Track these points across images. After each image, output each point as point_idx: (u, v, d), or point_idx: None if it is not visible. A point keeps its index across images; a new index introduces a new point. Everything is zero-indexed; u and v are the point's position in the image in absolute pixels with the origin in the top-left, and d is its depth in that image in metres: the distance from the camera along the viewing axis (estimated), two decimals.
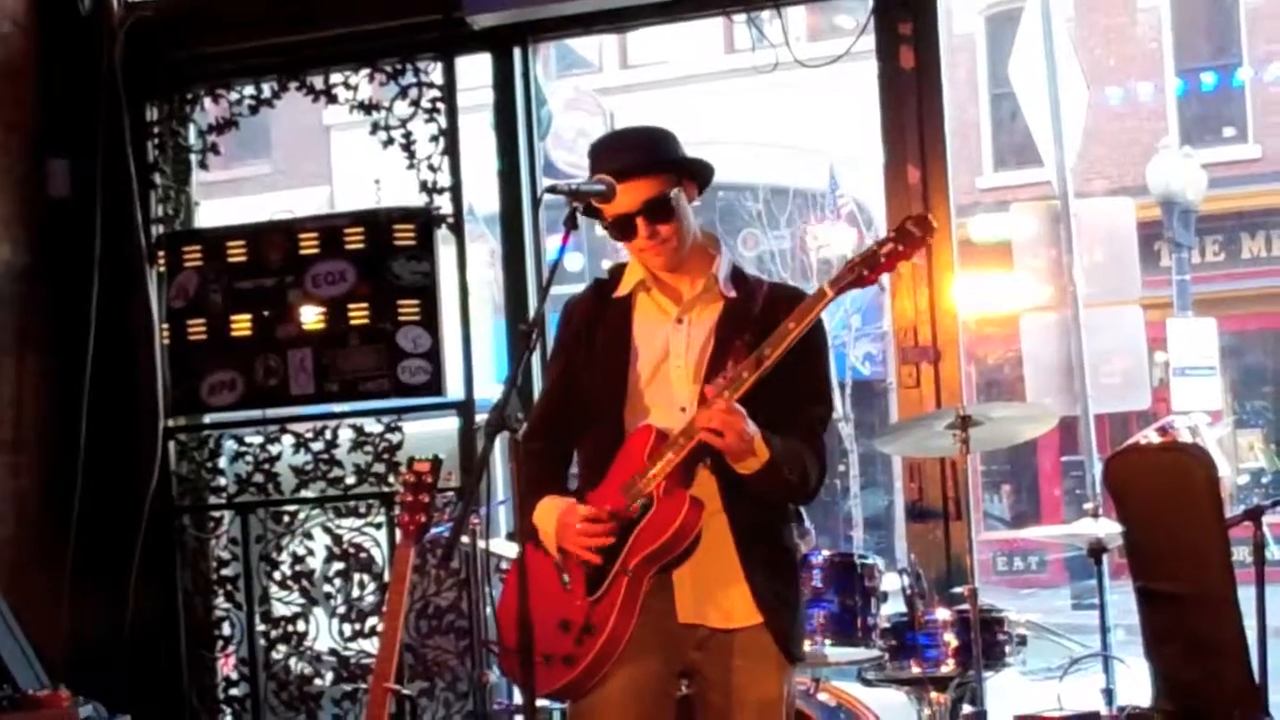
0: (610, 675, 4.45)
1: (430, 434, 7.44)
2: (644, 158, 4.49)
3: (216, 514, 7.70)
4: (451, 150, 7.37)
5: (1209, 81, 22.09)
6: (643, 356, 4.55)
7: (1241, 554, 5.71)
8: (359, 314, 7.32)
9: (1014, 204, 13.29)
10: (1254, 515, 5.87)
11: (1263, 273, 21.49)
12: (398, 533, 6.23)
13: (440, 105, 7.41)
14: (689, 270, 4.58)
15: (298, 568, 7.52)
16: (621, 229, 4.49)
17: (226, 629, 7.62)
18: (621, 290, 4.62)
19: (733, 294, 4.57)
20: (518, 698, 6.40)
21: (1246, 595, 5.61)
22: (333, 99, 7.65)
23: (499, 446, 4.35)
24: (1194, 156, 19.83)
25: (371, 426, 7.43)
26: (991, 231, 15.91)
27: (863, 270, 4.32)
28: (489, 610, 6.28)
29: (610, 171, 4.44)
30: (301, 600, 7.51)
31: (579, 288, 4.77)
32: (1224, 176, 20.32)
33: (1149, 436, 6.13)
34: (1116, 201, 13.46)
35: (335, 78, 7.61)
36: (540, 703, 4.50)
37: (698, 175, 4.60)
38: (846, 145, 18.83)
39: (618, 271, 4.69)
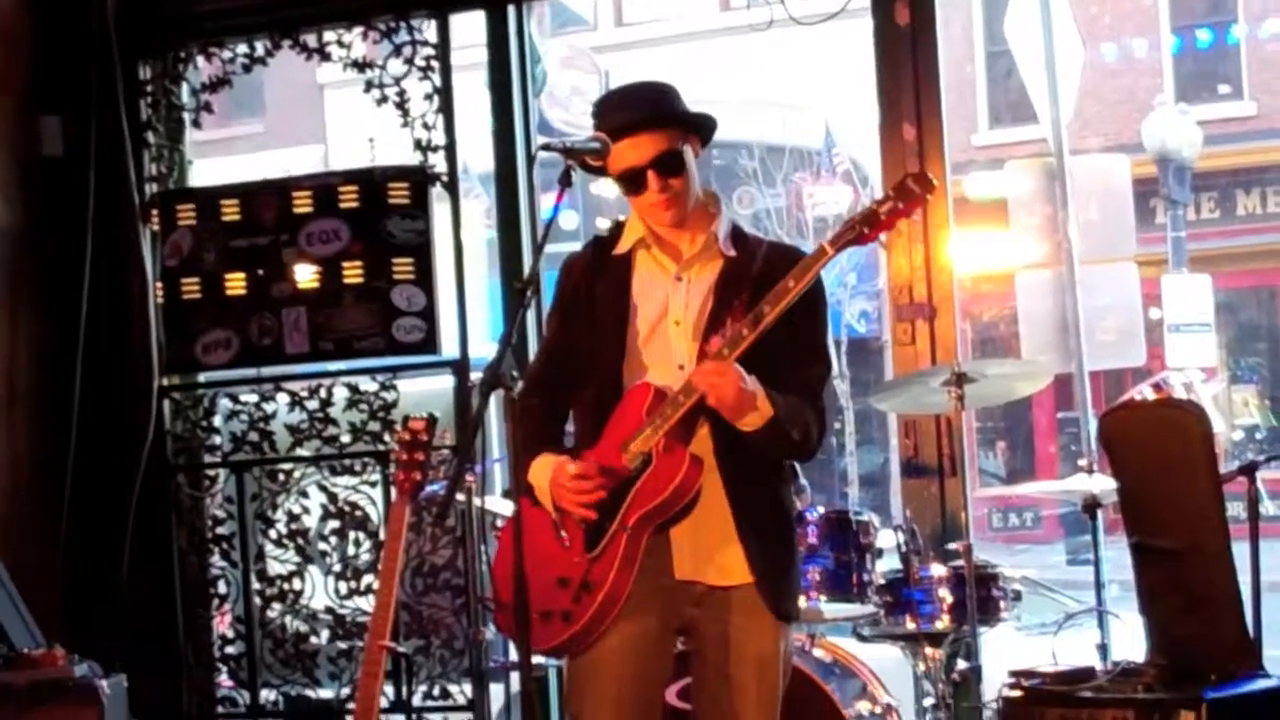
0: (608, 632, 4.46)
1: (425, 392, 7.45)
2: (655, 112, 4.50)
3: (211, 473, 7.70)
4: (446, 108, 7.35)
5: (1204, 39, 22.07)
6: (642, 314, 4.55)
7: (1236, 509, 5.72)
8: (353, 272, 7.31)
9: (1009, 161, 13.24)
10: (1248, 471, 5.89)
11: (1258, 229, 21.50)
12: (393, 491, 6.25)
13: (434, 63, 7.39)
14: (690, 228, 4.58)
15: (293, 526, 7.52)
16: (632, 183, 4.49)
17: (222, 587, 7.63)
18: (621, 248, 4.62)
19: (732, 253, 4.56)
20: (514, 654, 6.42)
21: (1241, 551, 5.62)
22: (326, 57, 7.63)
23: (494, 404, 4.36)
24: (1189, 113, 19.82)
25: (366, 385, 7.43)
26: (987, 189, 15.86)
27: (862, 228, 4.32)
28: (484, 567, 6.29)
29: (619, 126, 4.45)
30: (297, 558, 7.52)
31: (574, 245, 4.79)
32: (1219, 134, 20.32)
33: (1144, 393, 6.13)
34: (1112, 159, 13.42)
35: (329, 36, 7.58)
36: (536, 659, 4.51)
37: (702, 130, 4.60)
38: (842, 103, 18.79)
39: (617, 229, 4.69)
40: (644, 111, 4.49)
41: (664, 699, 4.64)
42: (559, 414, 4.69)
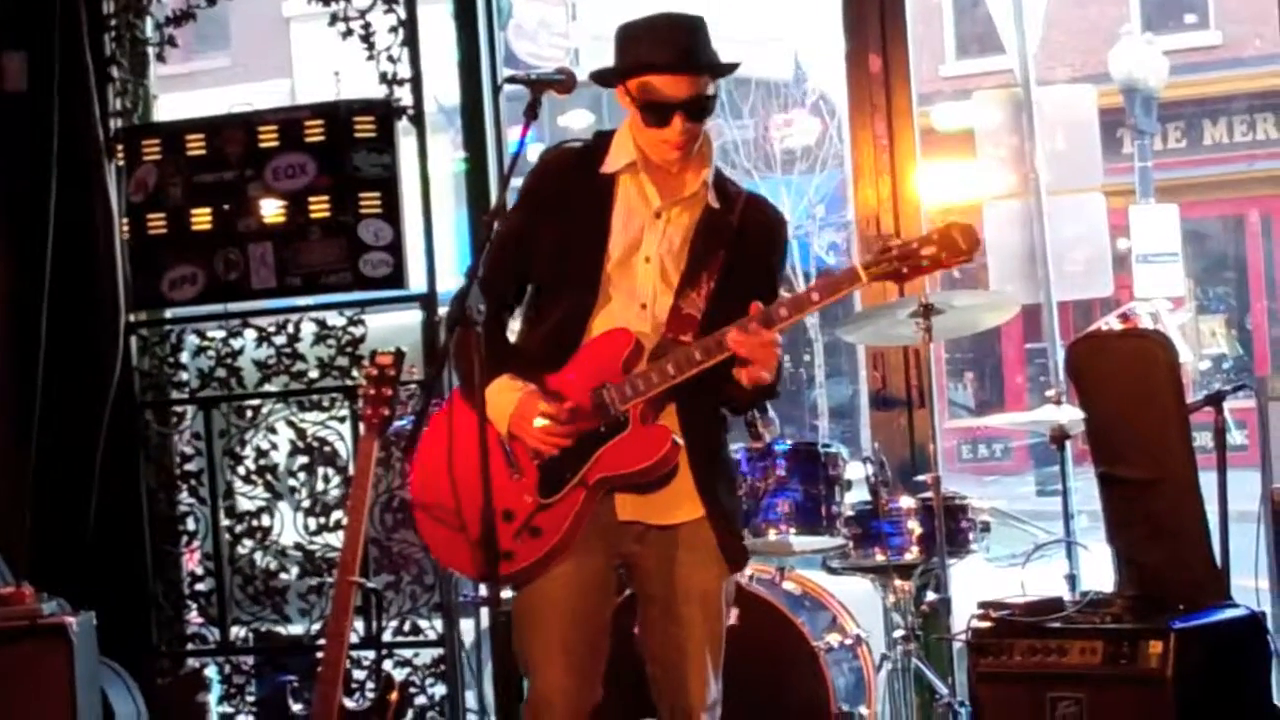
0: (549, 571, 4.46)
1: (393, 327, 7.42)
2: (696, 57, 4.42)
3: (179, 409, 7.67)
4: (411, 41, 7.30)
5: None
6: (616, 242, 4.51)
7: (1203, 439, 5.76)
8: (320, 207, 7.26)
9: (976, 92, 13.25)
10: (1215, 400, 5.92)
11: (1224, 159, 21.52)
12: (361, 426, 6.24)
13: None
14: (685, 164, 4.54)
15: (261, 462, 7.50)
16: (656, 116, 4.42)
17: (191, 524, 7.61)
18: (608, 167, 4.55)
19: (715, 204, 4.54)
20: (484, 590, 6.42)
21: (1208, 480, 5.66)
22: None
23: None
24: (1156, 43, 19.79)
25: (334, 320, 7.40)
26: (954, 120, 15.84)
27: (901, 266, 4.32)
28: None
29: (659, 63, 4.37)
30: (266, 495, 7.50)
31: None
32: (1186, 63, 20.30)
33: (1111, 323, 6.15)
34: (1078, 89, 13.43)
35: None
36: (506, 593, 4.51)
37: (722, 73, 4.54)
38: (810, 34, 18.74)
39: (604, 140, 4.62)
40: (686, 52, 4.41)
41: (608, 633, 4.63)
42: (503, 316, 4.63)
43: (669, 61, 4.39)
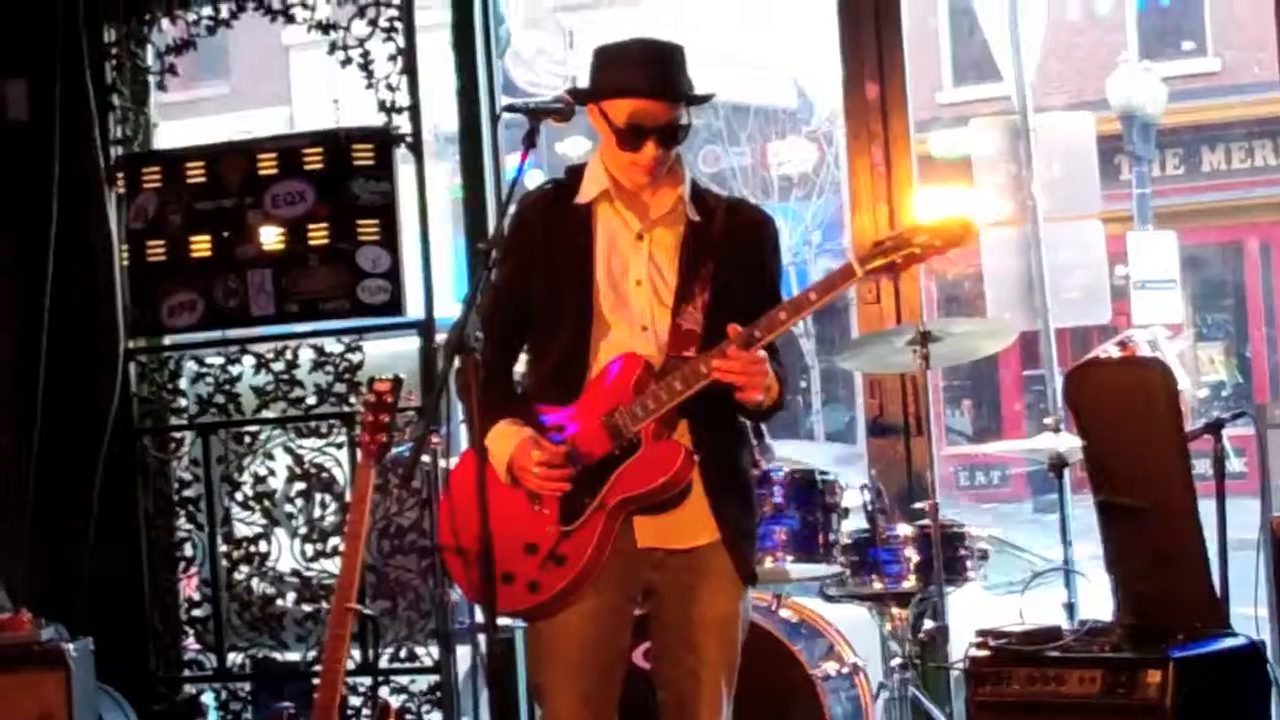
0: (576, 597, 4.46)
1: (391, 354, 7.43)
2: (669, 85, 4.44)
3: (177, 435, 7.67)
4: (410, 69, 7.32)
5: None
6: (604, 270, 4.51)
7: (1202, 467, 5.75)
8: (318, 234, 7.28)
9: (974, 119, 13.24)
10: (1214, 428, 5.91)
11: (1222, 185, 21.54)
12: (359, 452, 6.23)
13: (398, 24, 7.35)
14: (654, 186, 4.54)
15: (259, 488, 7.51)
16: (629, 140, 4.43)
17: (189, 550, 7.61)
18: (583, 197, 4.56)
19: (696, 217, 4.54)
20: (479, 616, 6.41)
21: (1207, 508, 5.65)
22: (290, 19, 7.59)
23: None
24: (1153, 70, 19.82)
25: (332, 346, 7.41)
26: (951, 147, 15.88)
27: (895, 256, 4.32)
28: None
29: (634, 88, 4.40)
30: (263, 521, 7.50)
31: None
32: (1183, 90, 20.33)
33: (1109, 350, 6.16)
34: (1076, 116, 13.44)
35: None
36: (502, 621, 4.51)
37: (696, 103, 4.56)
38: (807, 61, 18.78)
39: (576, 173, 4.63)
40: (659, 80, 4.43)
41: (626, 663, 4.63)
42: (509, 363, 4.66)
43: (644, 88, 4.41)
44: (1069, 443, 6.14)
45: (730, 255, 4.49)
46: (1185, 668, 5.09)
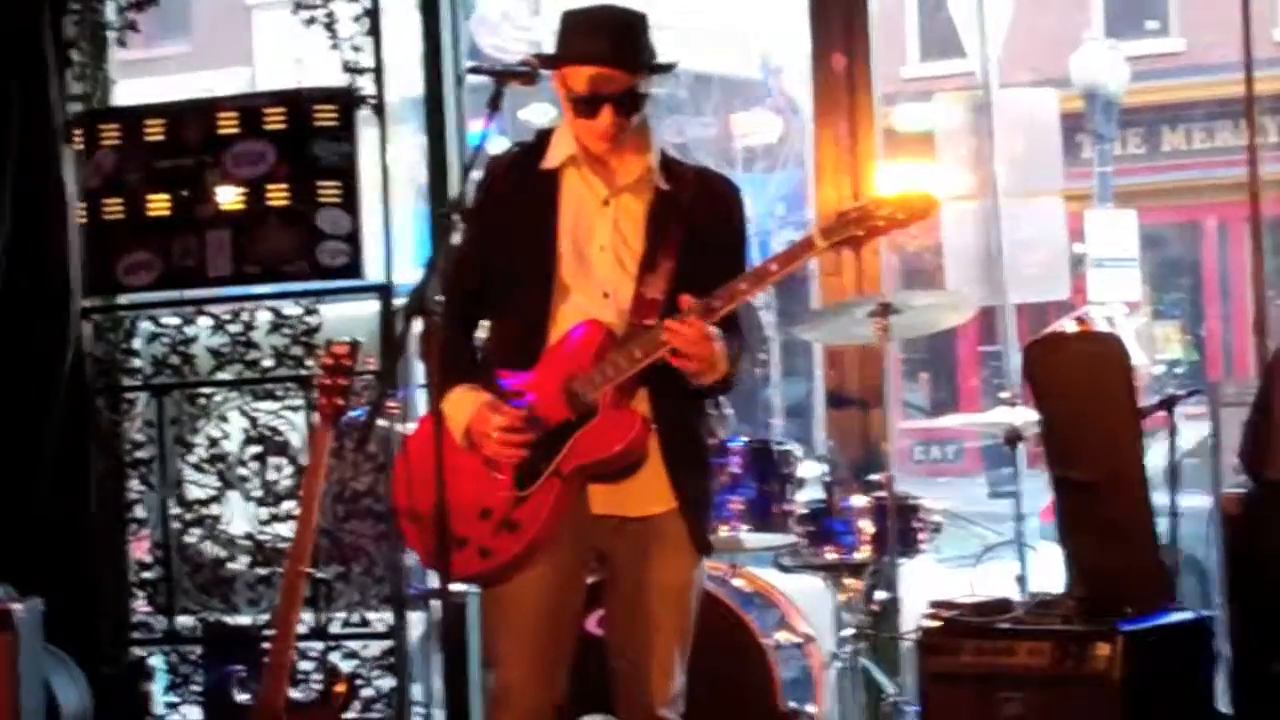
0: (529, 565, 4.45)
1: (349, 317, 7.39)
2: (628, 53, 4.42)
3: (131, 396, 7.63)
4: (374, 31, 7.27)
5: None
6: (566, 235, 4.50)
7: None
8: (278, 195, 7.22)
9: (938, 94, 13.25)
10: (1168, 405, 5.95)
11: (1183, 165, 21.65)
12: (315, 416, 6.21)
13: None
14: (621, 152, 4.53)
15: (213, 451, 7.46)
16: (585, 107, 4.42)
17: (140, 512, 7.57)
18: (550, 162, 4.55)
19: (665, 186, 4.54)
20: (433, 582, 6.41)
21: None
22: None
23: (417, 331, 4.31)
24: (1117, 49, 19.87)
25: (290, 309, 7.36)
26: (915, 121, 15.86)
27: (856, 230, 4.33)
28: None
29: (589, 54, 4.39)
30: (217, 483, 7.47)
31: None
32: (1147, 70, 20.41)
33: (1066, 325, 6.18)
34: (1039, 93, 13.43)
35: None
36: (456, 587, 4.51)
37: (658, 71, 4.55)
38: (772, 32, 18.76)
39: (544, 137, 4.62)
40: (618, 48, 4.41)
41: (578, 630, 4.63)
42: (470, 328, 4.65)
43: (601, 55, 4.40)
44: (1025, 417, 6.17)
45: (697, 225, 4.48)
46: (1134, 640, 5.13)
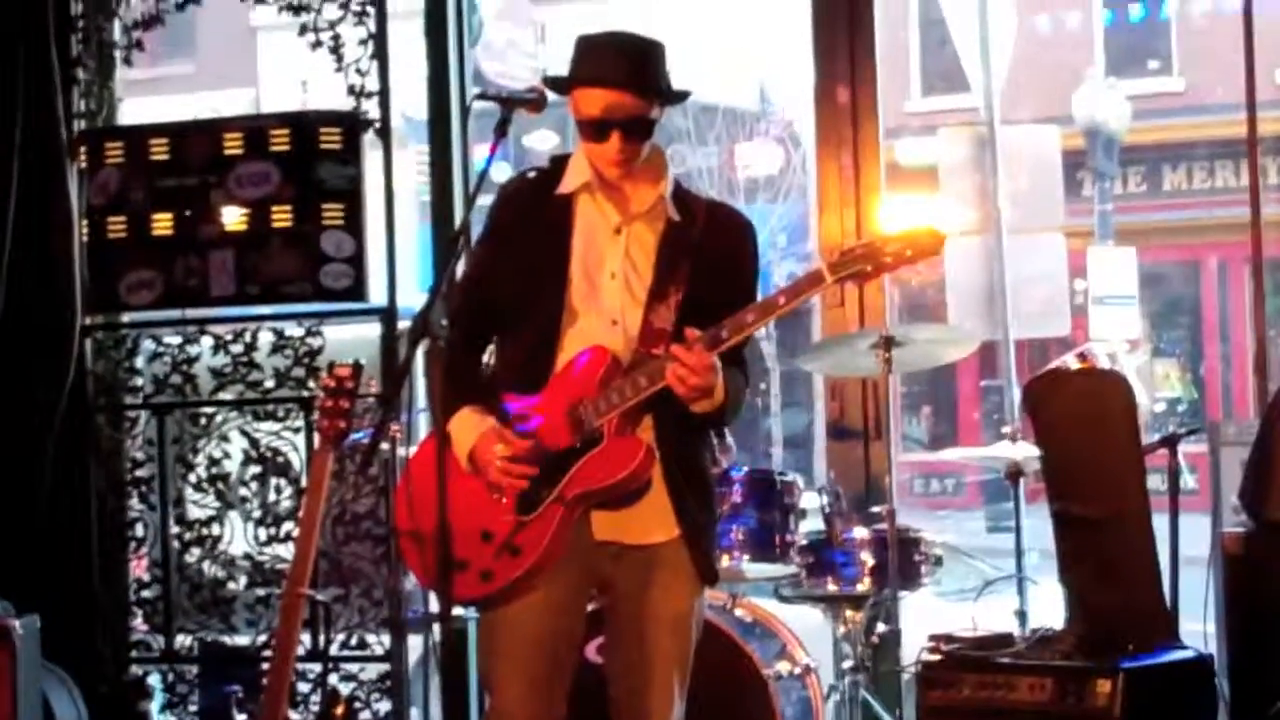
0: (530, 589, 4.44)
1: (352, 340, 7.39)
2: (641, 78, 4.43)
3: (132, 414, 7.63)
4: (380, 55, 7.29)
5: (1136, 13, 22.23)
6: (578, 261, 4.50)
7: (1156, 482, 5.77)
8: (282, 216, 7.22)
9: (941, 129, 13.28)
10: (1169, 443, 5.95)
11: (1183, 204, 21.68)
12: (316, 438, 6.21)
13: (370, 9, 7.31)
14: (635, 180, 4.53)
15: (214, 470, 7.46)
16: (595, 132, 4.43)
17: (140, 530, 7.56)
18: (565, 188, 4.55)
19: (676, 217, 4.53)
20: (433, 605, 6.39)
21: (1160, 522, 5.68)
22: None
23: (421, 354, 4.32)
24: (1119, 87, 19.92)
25: (292, 330, 7.37)
26: (918, 155, 15.89)
27: (865, 265, 4.31)
28: None
29: (601, 78, 4.39)
30: (217, 503, 7.46)
31: None
32: (1148, 108, 20.46)
33: (1069, 362, 6.18)
34: (1042, 129, 13.48)
35: None
36: (456, 611, 4.49)
37: (675, 101, 4.56)
38: (777, 64, 18.78)
39: (560, 163, 4.62)
40: (631, 73, 4.42)
41: (577, 656, 4.62)
42: (478, 351, 4.66)
43: (615, 78, 4.40)
44: (1026, 452, 6.16)
45: (708, 257, 4.48)
46: (1135, 678, 5.12)
